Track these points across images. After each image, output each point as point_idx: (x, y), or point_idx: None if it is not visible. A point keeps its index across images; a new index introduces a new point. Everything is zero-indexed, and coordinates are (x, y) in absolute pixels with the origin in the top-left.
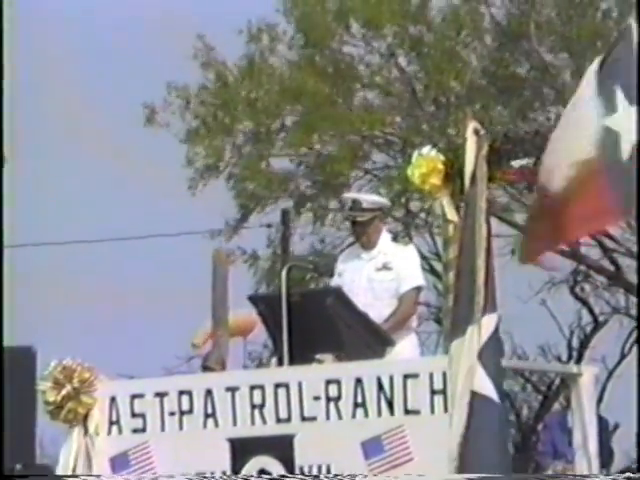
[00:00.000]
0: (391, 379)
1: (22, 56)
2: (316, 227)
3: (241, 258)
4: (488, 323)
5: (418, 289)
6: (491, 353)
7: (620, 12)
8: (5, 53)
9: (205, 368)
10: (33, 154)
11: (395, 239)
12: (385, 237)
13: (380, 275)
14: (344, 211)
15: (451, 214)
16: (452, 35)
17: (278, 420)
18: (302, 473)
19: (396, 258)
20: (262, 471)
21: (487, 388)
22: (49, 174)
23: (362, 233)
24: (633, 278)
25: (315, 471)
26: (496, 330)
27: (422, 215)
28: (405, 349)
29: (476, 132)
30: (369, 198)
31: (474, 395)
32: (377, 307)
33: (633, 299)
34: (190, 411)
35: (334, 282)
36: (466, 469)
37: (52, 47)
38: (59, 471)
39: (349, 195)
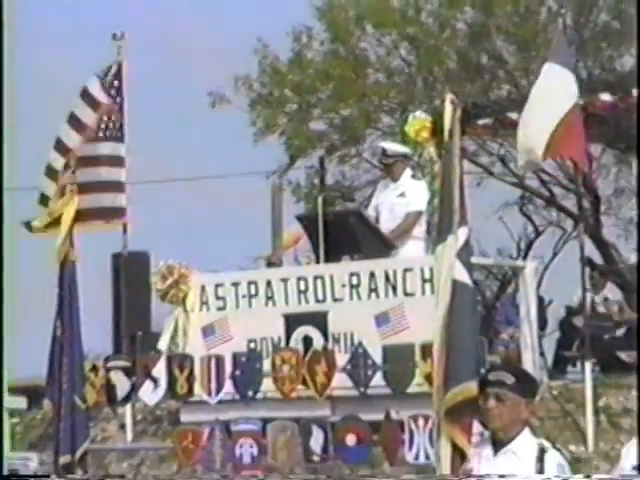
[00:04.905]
0: (395, 272)
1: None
2: (341, 169)
3: (289, 189)
4: (463, 232)
5: (419, 212)
6: (466, 253)
7: (560, 12)
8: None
9: (269, 264)
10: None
11: (414, 177)
12: (407, 174)
13: (398, 200)
14: (375, 156)
15: (436, 157)
16: (437, 34)
17: (317, 301)
18: (334, 339)
19: (410, 189)
20: (306, 337)
21: (465, 277)
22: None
23: (388, 171)
24: (564, 202)
25: (342, 337)
26: (468, 237)
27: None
28: (411, 251)
29: (452, 101)
30: (392, 147)
31: (455, 282)
32: (395, 222)
33: (562, 215)
34: (256, 295)
35: (373, 201)
36: (448, 340)
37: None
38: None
39: (380, 144)
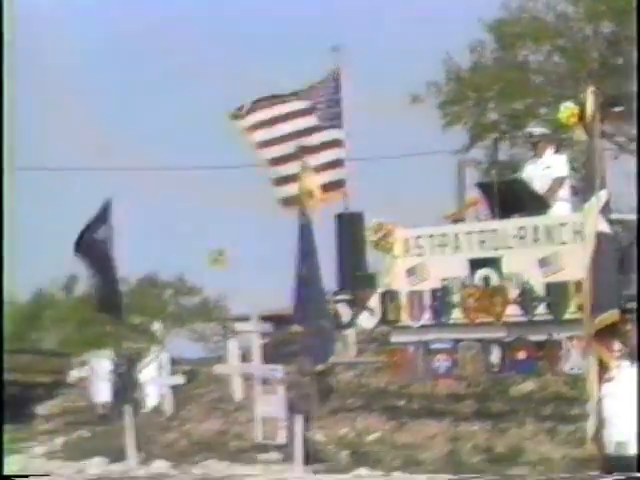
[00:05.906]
0: (552, 226)
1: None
2: (511, 148)
3: (471, 164)
4: (603, 194)
5: (563, 178)
6: (606, 210)
7: None
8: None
9: (455, 221)
10: None
11: (557, 152)
12: (550, 150)
13: (545, 172)
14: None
15: (583, 137)
16: (581, 43)
17: (493, 249)
18: (507, 278)
19: (554, 162)
20: (485, 277)
21: (607, 228)
22: None
23: (535, 150)
24: None
25: (514, 276)
26: (608, 198)
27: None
28: (560, 210)
29: (594, 93)
30: (536, 130)
31: (599, 233)
32: (544, 189)
33: None
34: (447, 244)
35: (525, 174)
36: (595, 277)
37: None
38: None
39: (527, 129)
